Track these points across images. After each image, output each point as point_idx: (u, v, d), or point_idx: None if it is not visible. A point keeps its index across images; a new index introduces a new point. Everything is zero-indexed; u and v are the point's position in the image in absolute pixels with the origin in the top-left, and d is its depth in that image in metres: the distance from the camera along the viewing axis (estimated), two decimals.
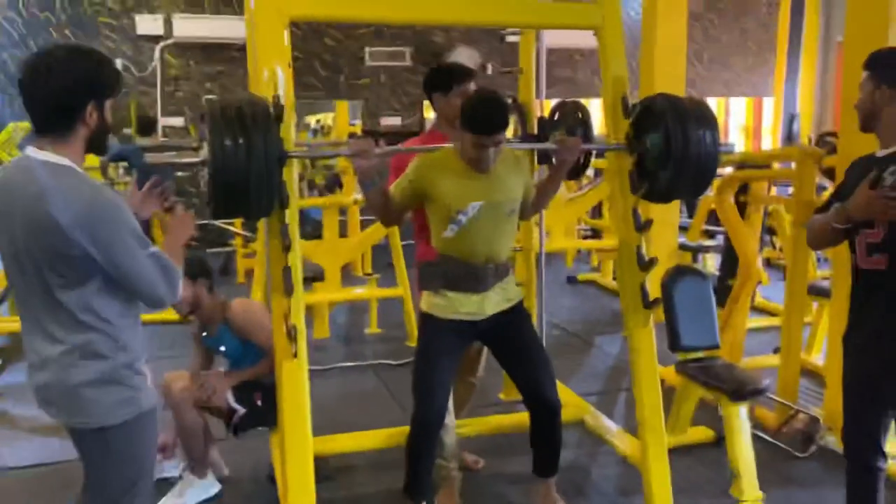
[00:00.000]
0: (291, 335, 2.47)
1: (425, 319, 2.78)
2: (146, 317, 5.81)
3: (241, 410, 3.14)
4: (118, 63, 9.31)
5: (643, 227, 2.87)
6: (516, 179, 2.75)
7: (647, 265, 2.87)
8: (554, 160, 2.92)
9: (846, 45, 3.62)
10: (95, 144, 1.96)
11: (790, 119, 11.53)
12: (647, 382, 2.88)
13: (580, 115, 3.59)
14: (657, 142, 2.73)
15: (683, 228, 6.41)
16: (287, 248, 2.45)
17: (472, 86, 2.98)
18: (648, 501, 2.85)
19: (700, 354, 3.52)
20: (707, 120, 2.71)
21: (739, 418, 3.20)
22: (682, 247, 5.98)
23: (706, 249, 6.04)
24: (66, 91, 1.85)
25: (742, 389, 3.18)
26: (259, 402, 3.11)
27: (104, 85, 1.92)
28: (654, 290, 2.93)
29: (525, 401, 2.82)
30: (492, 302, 2.73)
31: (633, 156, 2.84)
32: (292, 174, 2.51)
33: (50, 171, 1.84)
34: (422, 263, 2.83)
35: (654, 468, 2.84)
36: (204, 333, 3.26)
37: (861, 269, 2.41)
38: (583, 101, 3.76)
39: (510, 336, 2.80)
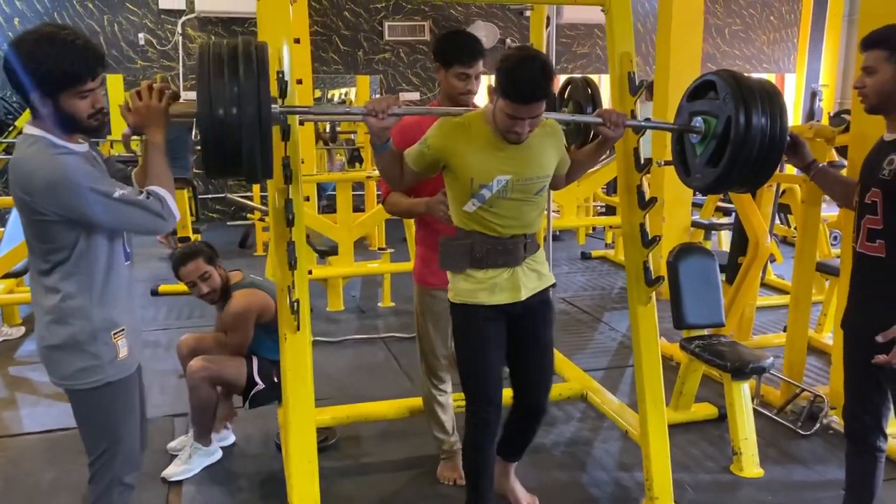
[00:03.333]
0: (294, 309, 2.53)
1: (457, 310, 2.50)
2: (165, 287, 5.96)
3: (261, 385, 3.23)
4: (140, 37, 9.38)
5: (647, 204, 2.89)
6: (551, 152, 2.46)
7: (649, 243, 2.89)
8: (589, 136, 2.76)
9: (861, 20, 3.57)
10: (70, 129, 1.97)
11: (812, 95, 11.40)
12: (647, 358, 2.91)
13: (589, 91, 3.58)
14: (713, 126, 2.47)
15: (698, 205, 6.38)
16: (290, 222, 2.49)
17: (480, 67, 2.69)
18: (647, 475, 2.89)
19: (704, 332, 3.54)
20: (776, 103, 2.41)
21: (741, 396, 3.24)
22: (696, 224, 5.96)
23: (719, 227, 6.01)
24: (10, 85, 1.92)
25: (744, 367, 3.20)
26: (275, 379, 3.18)
27: (40, 83, 1.87)
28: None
29: (514, 398, 2.66)
30: (524, 282, 2.46)
31: (678, 139, 2.68)
32: (297, 147, 2.54)
33: (21, 142, 1.96)
34: (442, 239, 2.51)
35: (653, 442, 2.88)
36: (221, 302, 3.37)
37: (860, 252, 2.39)
38: (599, 76, 3.72)
39: (528, 333, 2.55)
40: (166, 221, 2.01)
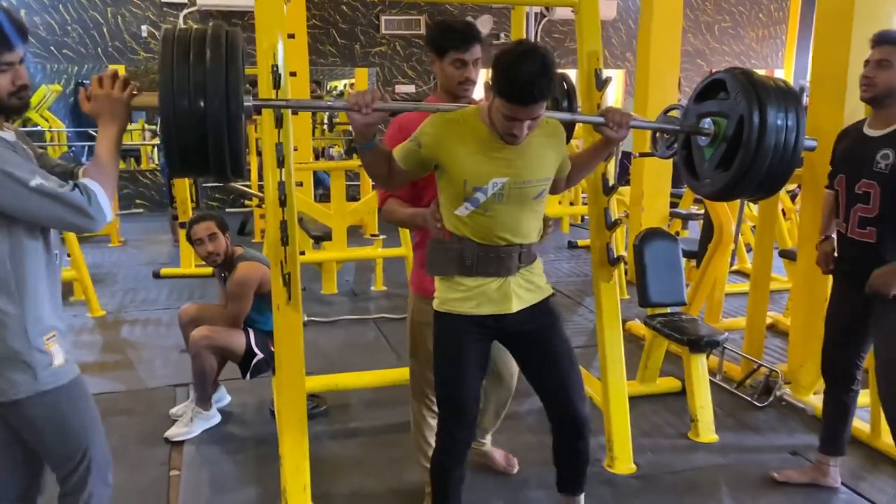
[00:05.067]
0: (286, 281, 2.80)
1: (441, 320, 2.30)
2: (167, 270, 6.28)
3: (261, 355, 3.51)
4: (142, 29, 9.64)
5: (610, 191, 3.16)
6: (551, 154, 2.25)
7: (612, 226, 3.17)
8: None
9: (818, 20, 3.83)
10: None
11: (800, 90, 11.63)
12: (609, 330, 3.19)
13: (565, 86, 3.82)
14: (724, 127, 2.37)
15: (677, 196, 6.64)
16: (283, 203, 2.76)
17: (478, 52, 2.46)
18: (608, 436, 3.18)
19: (667, 310, 3.81)
20: (792, 101, 2.31)
21: (698, 367, 3.51)
22: (674, 214, 6.22)
23: (696, 217, 6.27)
24: None
25: (700, 341, 3.48)
26: (272, 348, 3.46)
27: None
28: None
29: (549, 413, 2.38)
30: (517, 293, 2.25)
31: (685, 142, 2.61)
32: (289, 134, 2.80)
33: None
34: (430, 241, 2.33)
35: (613, 406, 3.17)
36: (223, 275, 3.66)
37: (851, 238, 2.66)
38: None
39: (537, 343, 2.33)
40: (91, 219, 1.77)
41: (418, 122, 2.29)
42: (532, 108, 1.98)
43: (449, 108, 2.24)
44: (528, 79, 1.92)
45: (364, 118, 2.03)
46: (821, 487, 3.00)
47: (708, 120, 2.42)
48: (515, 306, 2.25)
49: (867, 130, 2.64)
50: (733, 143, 2.32)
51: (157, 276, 6.25)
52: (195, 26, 1.99)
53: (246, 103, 2.01)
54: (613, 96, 10.95)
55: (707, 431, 3.47)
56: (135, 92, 1.94)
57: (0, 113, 1.82)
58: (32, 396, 1.85)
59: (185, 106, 1.87)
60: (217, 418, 3.58)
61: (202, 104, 1.88)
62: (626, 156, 6.65)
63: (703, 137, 2.45)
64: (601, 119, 2.29)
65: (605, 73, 3.17)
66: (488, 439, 3.14)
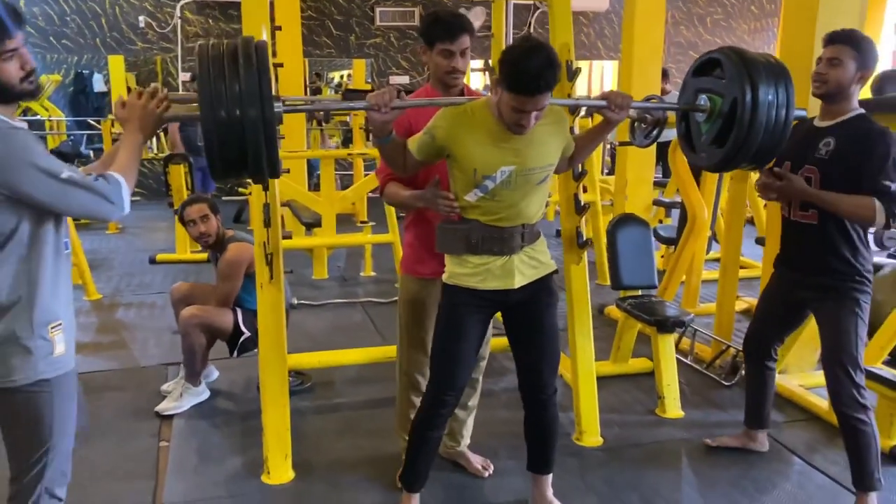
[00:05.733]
0: (268, 260, 2.96)
1: (448, 291, 2.48)
2: (163, 256, 6.43)
3: (247, 333, 3.67)
4: (140, 20, 9.78)
5: (579, 176, 3.31)
6: (556, 141, 2.42)
7: (581, 210, 3.33)
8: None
9: (784, 13, 3.97)
10: (4, 98, 1.83)
11: None
12: (578, 310, 3.35)
13: None
14: (719, 105, 2.49)
15: (661, 185, 6.77)
16: (265, 187, 2.91)
17: (466, 42, 2.57)
18: (577, 411, 3.35)
19: (638, 293, 3.97)
20: (783, 81, 2.41)
21: (666, 347, 3.67)
22: (657, 202, 6.36)
23: (678, 205, 6.42)
24: None
25: (667, 321, 3.64)
26: None
27: None
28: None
29: (520, 382, 2.62)
30: (520, 270, 2.44)
31: (682, 116, 2.74)
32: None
33: None
34: (440, 222, 2.48)
35: (581, 382, 3.34)
36: (216, 256, 3.81)
37: (794, 221, 2.81)
38: (589, 62, 3.94)
39: (530, 321, 2.54)
40: (114, 206, 1.86)
41: (417, 113, 2.53)
42: (538, 98, 2.13)
43: (460, 102, 2.39)
44: (536, 72, 2.07)
45: (382, 116, 2.20)
46: (776, 460, 3.19)
47: (704, 96, 2.56)
48: (518, 282, 2.44)
49: (817, 122, 2.79)
50: (728, 119, 2.45)
51: (153, 261, 6.42)
52: (226, 41, 2.11)
53: (277, 109, 2.12)
54: (610, 87, 11.06)
55: (673, 408, 3.63)
56: (166, 110, 2.06)
57: (15, 100, 1.86)
58: (28, 384, 1.87)
59: (224, 116, 2.02)
60: (206, 394, 3.74)
61: (239, 113, 2.02)
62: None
63: (701, 114, 2.59)
64: (603, 102, 2.42)
65: (600, 64, 3.32)
66: (465, 441, 3.14)
